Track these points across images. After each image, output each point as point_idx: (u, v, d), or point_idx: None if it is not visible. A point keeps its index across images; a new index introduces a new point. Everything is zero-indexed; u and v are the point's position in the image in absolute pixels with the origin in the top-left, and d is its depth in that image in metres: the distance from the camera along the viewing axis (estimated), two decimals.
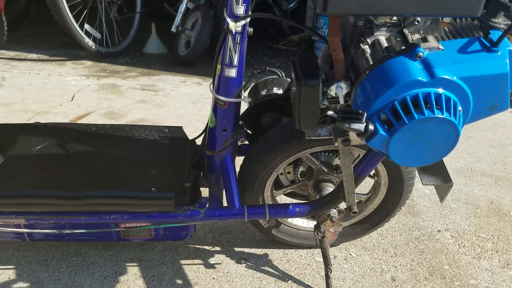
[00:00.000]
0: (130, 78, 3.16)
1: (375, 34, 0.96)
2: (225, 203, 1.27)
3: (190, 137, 1.42)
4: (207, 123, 1.29)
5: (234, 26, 1.06)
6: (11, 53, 3.56)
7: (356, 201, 1.21)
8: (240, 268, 1.42)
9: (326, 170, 1.31)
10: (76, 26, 3.24)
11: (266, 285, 1.36)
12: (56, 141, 1.33)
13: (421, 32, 0.94)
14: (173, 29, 3.41)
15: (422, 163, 0.93)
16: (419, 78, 0.84)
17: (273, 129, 1.25)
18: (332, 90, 0.98)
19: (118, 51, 3.64)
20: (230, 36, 1.09)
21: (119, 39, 3.68)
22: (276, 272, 1.41)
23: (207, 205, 1.27)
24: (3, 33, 3.30)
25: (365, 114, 0.84)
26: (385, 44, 0.94)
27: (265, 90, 1.38)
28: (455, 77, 0.86)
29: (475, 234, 1.63)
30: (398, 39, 0.93)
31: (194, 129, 2.35)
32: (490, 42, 0.92)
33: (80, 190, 1.16)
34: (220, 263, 1.43)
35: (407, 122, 0.83)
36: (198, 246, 1.50)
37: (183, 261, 1.43)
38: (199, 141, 1.43)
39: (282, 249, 1.50)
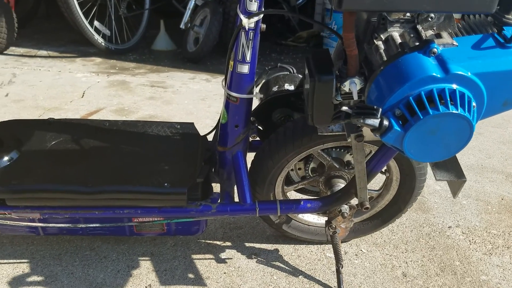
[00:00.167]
0: (139, 75, 3.18)
1: (388, 30, 0.96)
2: (236, 199, 1.28)
3: (201, 133, 1.43)
4: (219, 119, 1.30)
5: (248, 23, 1.07)
6: (21, 50, 3.58)
7: (368, 197, 1.21)
8: (251, 263, 1.43)
9: (337, 166, 1.31)
10: (86, 23, 3.26)
11: (277, 280, 1.36)
12: (70, 137, 1.35)
13: (435, 28, 0.94)
14: (182, 26, 3.41)
15: (436, 158, 0.93)
16: (434, 74, 0.85)
17: (284, 125, 1.26)
18: (346, 86, 0.98)
19: (127, 48, 3.66)
20: (243, 32, 1.09)
21: (128, 36, 3.70)
22: (286, 267, 1.42)
23: (219, 200, 1.28)
24: (13, 30, 3.33)
25: (380, 109, 0.85)
26: (398, 40, 0.95)
27: (277, 86, 1.38)
28: (469, 73, 0.86)
29: (486, 230, 1.63)
30: (412, 35, 0.94)
31: (204, 125, 2.36)
32: (504, 39, 0.92)
33: (94, 184, 1.17)
34: (231, 258, 1.44)
35: (421, 117, 0.83)
36: (209, 241, 1.51)
37: (194, 256, 1.44)
38: (210, 137, 1.44)
39: (293, 245, 1.51)
